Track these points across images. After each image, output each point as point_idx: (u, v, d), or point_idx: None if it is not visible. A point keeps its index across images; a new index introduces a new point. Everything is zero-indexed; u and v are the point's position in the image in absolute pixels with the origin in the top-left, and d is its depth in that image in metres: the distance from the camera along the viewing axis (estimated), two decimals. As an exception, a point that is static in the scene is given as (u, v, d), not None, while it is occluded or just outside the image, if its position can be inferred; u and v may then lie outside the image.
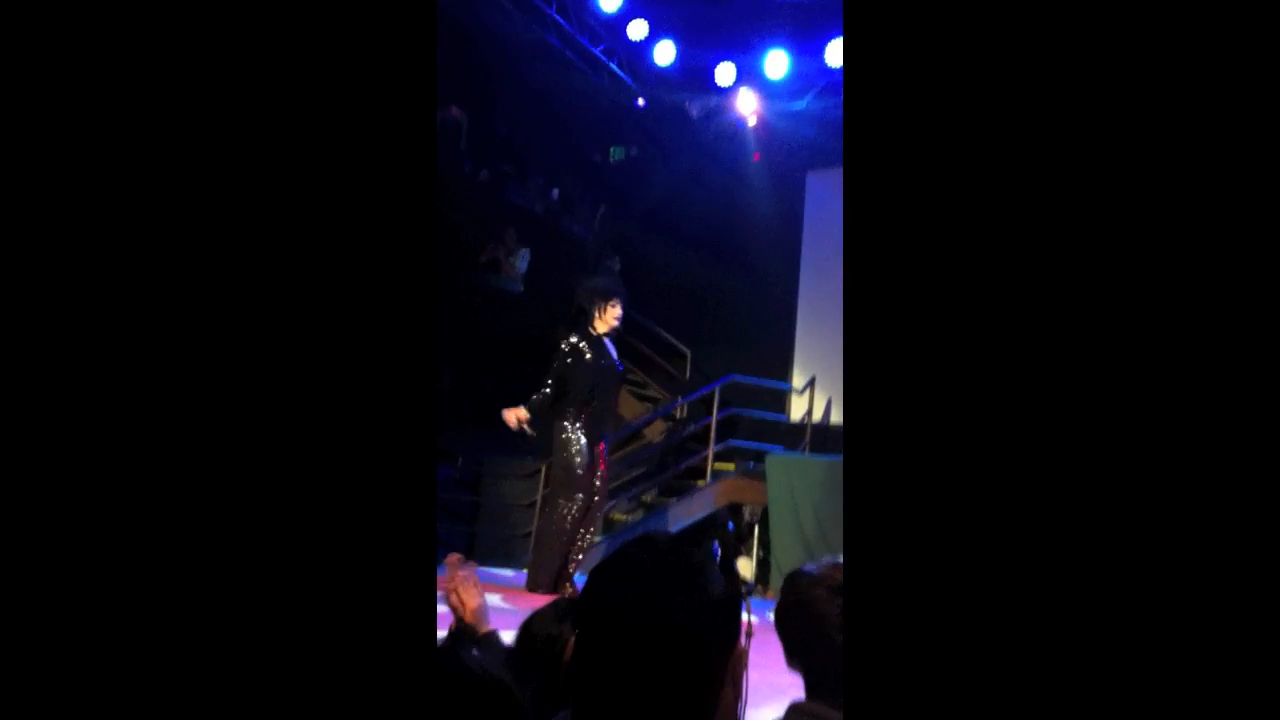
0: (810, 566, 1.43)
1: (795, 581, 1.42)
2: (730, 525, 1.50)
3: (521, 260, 7.53)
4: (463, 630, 1.85)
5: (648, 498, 6.94)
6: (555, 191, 7.55)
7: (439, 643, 1.62)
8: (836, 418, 6.78)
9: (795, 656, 1.40)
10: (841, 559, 1.43)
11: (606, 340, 4.86)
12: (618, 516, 6.73)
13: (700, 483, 6.59)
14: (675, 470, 7.09)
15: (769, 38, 6.86)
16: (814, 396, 6.99)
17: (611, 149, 8.30)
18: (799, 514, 5.70)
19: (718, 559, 1.22)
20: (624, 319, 4.91)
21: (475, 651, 1.82)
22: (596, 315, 4.85)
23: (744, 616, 1.24)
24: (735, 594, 1.18)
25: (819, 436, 6.81)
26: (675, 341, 7.83)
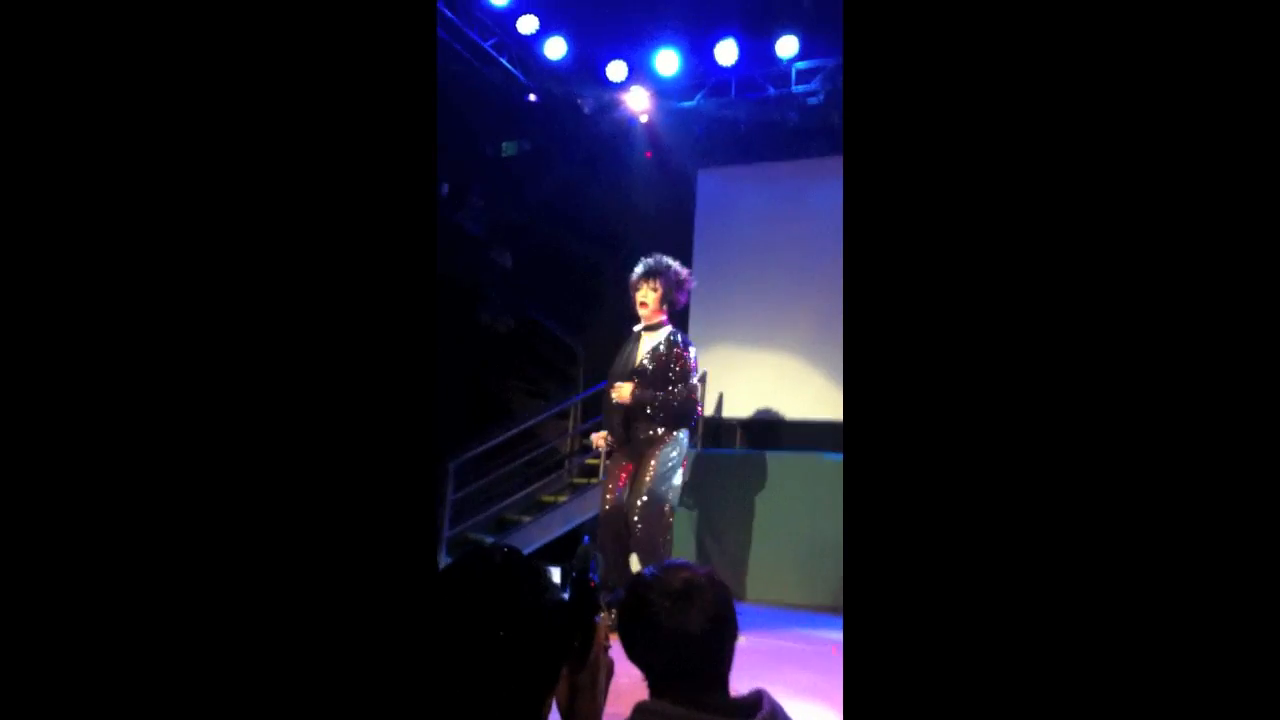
0: (650, 570, 1.45)
1: (634, 586, 1.44)
2: (586, 538, 1.50)
3: (410, 256, 7.38)
4: None
5: (548, 497, 6.89)
6: (445, 186, 7.44)
7: None
8: (727, 413, 6.85)
9: (634, 658, 1.42)
10: (680, 560, 1.45)
11: (643, 330, 4.36)
12: (509, 517, 6.67)
13: (594, 480, 6.58)
14: (570, 469, 7.07)
15: (659, 35, 6.89)
16: (705, 393, 7.06)
17: (504, 144, 8.21)
18: (690, 509, 5.75)
19: (595, 572, 1.22)
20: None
21: None
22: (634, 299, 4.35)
23: (603, 620, 1.23)
24: (582, 603, 1.18)
25: (710, 432, 6.88)
26: (567, 340, 7.80)
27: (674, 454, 4.25)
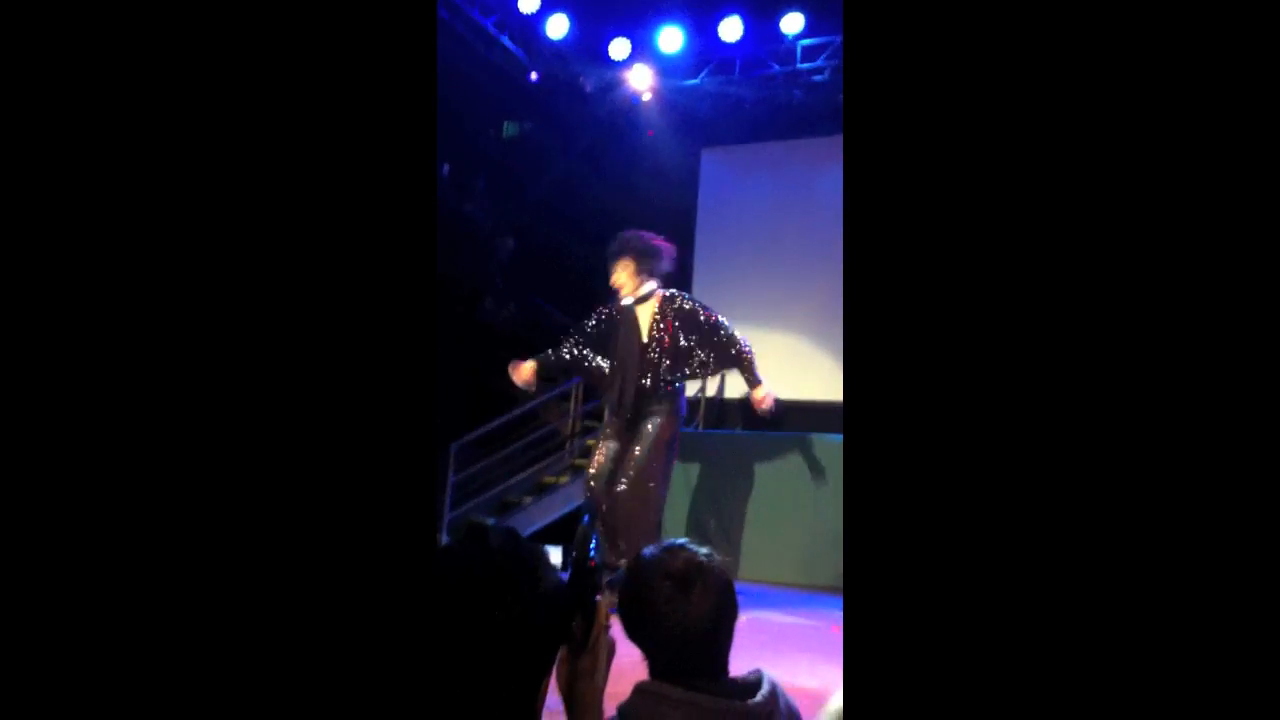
0: (650, 551, 1.42)
1: (633, 567, 1.42)
2: (585, 519, 1.47)
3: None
4: None
5: (549, 478, 6.89)
6: (445, 168, 7.39)
7: None
8: (729, 394, 6.84)
9: (634, 639, 1.40)
10: (680, 540, 1.43)
11: (635, 307, 4.20)
12: (511, 499, 6.67)
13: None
14: (571, 450, 7.06)
15: (663, 13, 6.83)
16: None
17: (505, 124, 8.16)
18: (691, 490, 5.75)
19: (593, 552, 1.21)
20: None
21: None
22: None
23: (603, 601, 1.22)
24: (583, 585, 1.17)
25: (712, 413, 6.87)
26: (569, 323, 7.77)
27: (667, 430, 4.14)
